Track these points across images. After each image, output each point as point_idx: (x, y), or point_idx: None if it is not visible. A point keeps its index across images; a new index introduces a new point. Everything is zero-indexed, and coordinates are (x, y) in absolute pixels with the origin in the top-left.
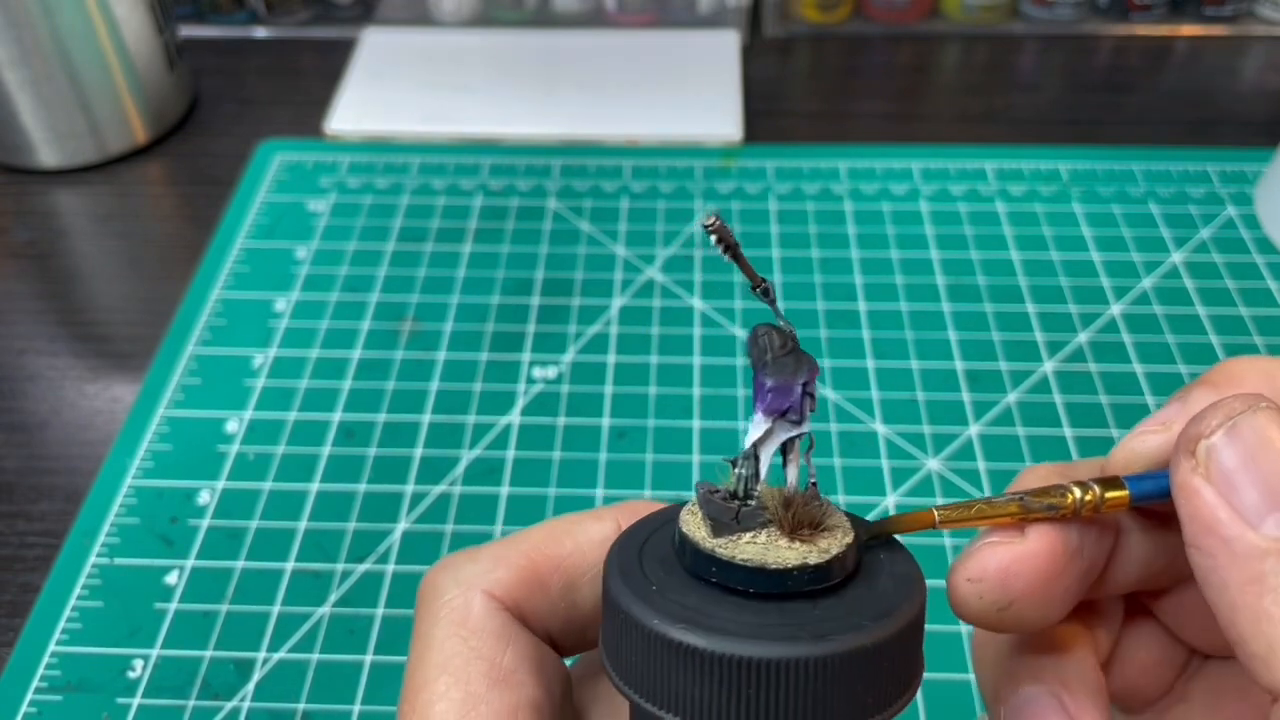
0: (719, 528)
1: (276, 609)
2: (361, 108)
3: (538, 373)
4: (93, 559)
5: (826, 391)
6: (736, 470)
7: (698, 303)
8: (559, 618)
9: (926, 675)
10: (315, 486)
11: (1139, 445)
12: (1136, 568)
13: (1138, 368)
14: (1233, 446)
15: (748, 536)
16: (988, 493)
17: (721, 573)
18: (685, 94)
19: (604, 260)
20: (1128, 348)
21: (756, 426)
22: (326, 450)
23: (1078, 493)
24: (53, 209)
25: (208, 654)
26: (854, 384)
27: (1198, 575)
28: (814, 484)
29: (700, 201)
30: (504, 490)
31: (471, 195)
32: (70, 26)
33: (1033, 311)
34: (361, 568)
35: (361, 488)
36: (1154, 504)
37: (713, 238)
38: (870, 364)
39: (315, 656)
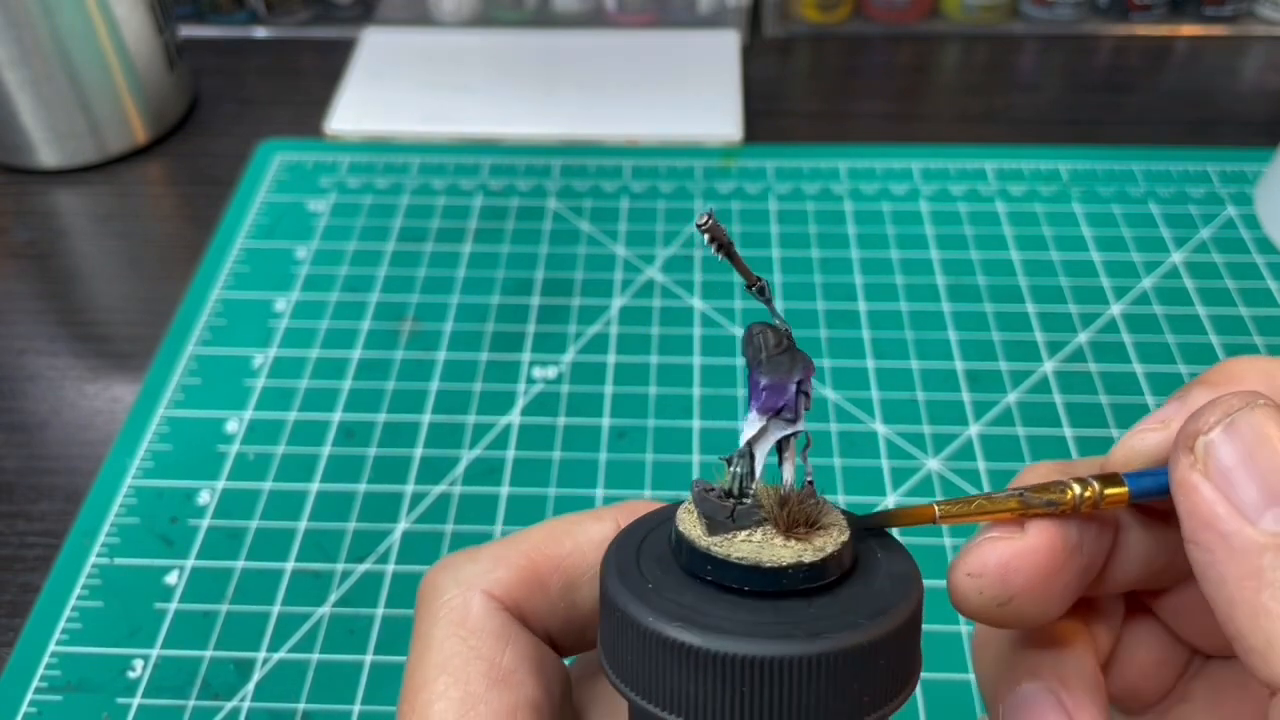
0: (714, 526)
1: (276, 609)
2: (361, 108)
3: (538, 373)
4: (93, 559)
5: (826, 391)
6: (731, 469)
7: (698, 303)
8: (559, 618)
9: (926, 675)
10: (315, 486)
11: (1138, 443)
12: (1136, 565)
13: (1138, 368)
14: (1231, 443)
15: (743, 535)
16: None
17: (717, 571)
18: (685, 94)
19: (604, 260)
20: (1128, 348)
21: (751, 425)
22: (326, 450)
23: (1077, 489)
24: (53, 209)
25: (208, 654)
26: (854, 384)
27: (1196, 571)
28: (810, 482)
29: (700, 201)
30: (504, 490)
31: (471, 195)
32: (70, 26)
33: (1033, 311)
34: (361, 568)
35: (361, 488)
36: (1153, 501)
37: (705, 236)
38: (870, 364)
39: (315, 656)
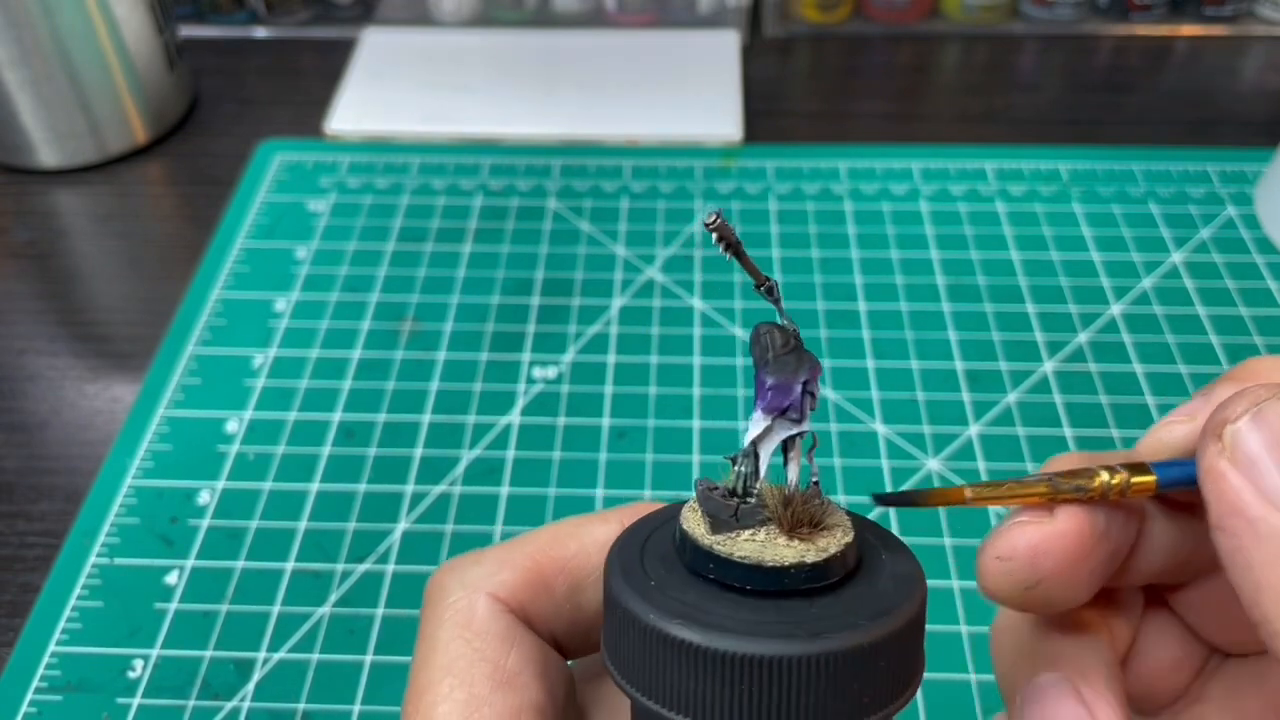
0: (717, 525)
1: (276, 609)
2: (361, 108)
3: (538, 373)
4: (93, 559)
5: (827, 391)
6: (736, 468)
7: (698, 303)
8: (564, 620)
9: (927, 675)
10: (315, 486)
11: (1165, 435)
12: (1160, 556)
13: (1138, 368)
14: (1258, 431)
15: (746, 534)
16: None
17: (719, 569)
18: (685, 94)
19: (604, 260)
20: (1128, 348)
21: (756, 424)
22: (326, 450)
23: (1105, 476)
24: (53, 209)
25: (208, 654)
26: (854, 384)
27: (1223, 557)
28: (816, 483)
29: (700, 201)
30: (504, 490)
31: (471, 195)
32: (70, 26)
33: (1033, 311)
34: (361, 568)
35: (361, 488)
36: (1179, 491)
37: (713, 235)
38: (870, 364)
39: (315, 656)
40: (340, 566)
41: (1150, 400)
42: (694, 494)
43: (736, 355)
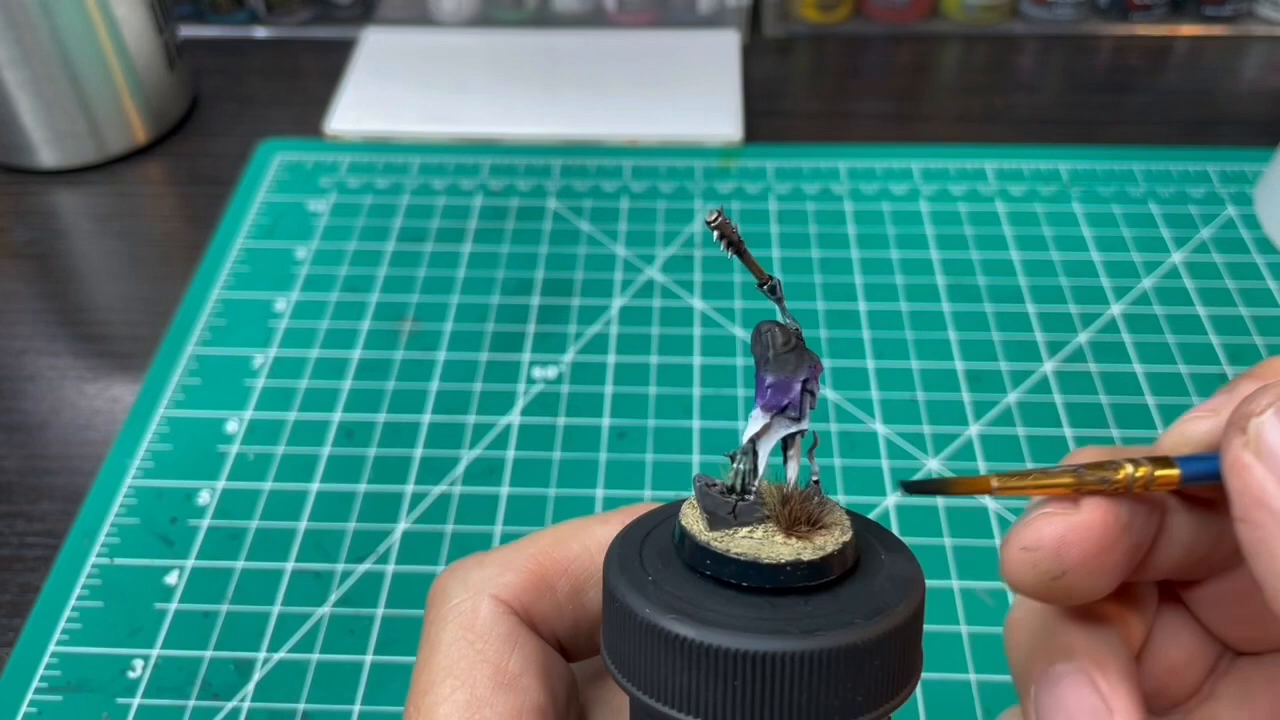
0: (715, 521)
1: (276, 609)
2: (361, 108)
3: (538, 373)
4: (93, 559)
5: (827, 391)
6: (735, 465)
7: (698, 303)
8: (567, 621)
9: (926, 675)
10: (315, 486)
11: (1189, 430)
12: (1179, 551)
13: (1138, 368)
14: None
15: (744, 531)
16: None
17: (715, 565)
18: (685, 94)
19: (604, 260)
20: (1128, 348)
21: (755, 421)
22: (326, 450)
23: (1131, 468)
24: (53, 209)
25: (208, 654)
26: (854, 384)
27: (1245, 550)
28: (816, 482)
29: (700, 201)
30: (504, 490)
31: (471, 195)
32: (70, 26)
33: (1033, 311)
34: (361, 568)
35: (361, 488)
36: (1203, 485)
37: (715, 233)
38: (870, 364)
39: (315, 656)
40: (340, 566)
41: (1150, 400)
42: (694, 491)
43: (737, 355)
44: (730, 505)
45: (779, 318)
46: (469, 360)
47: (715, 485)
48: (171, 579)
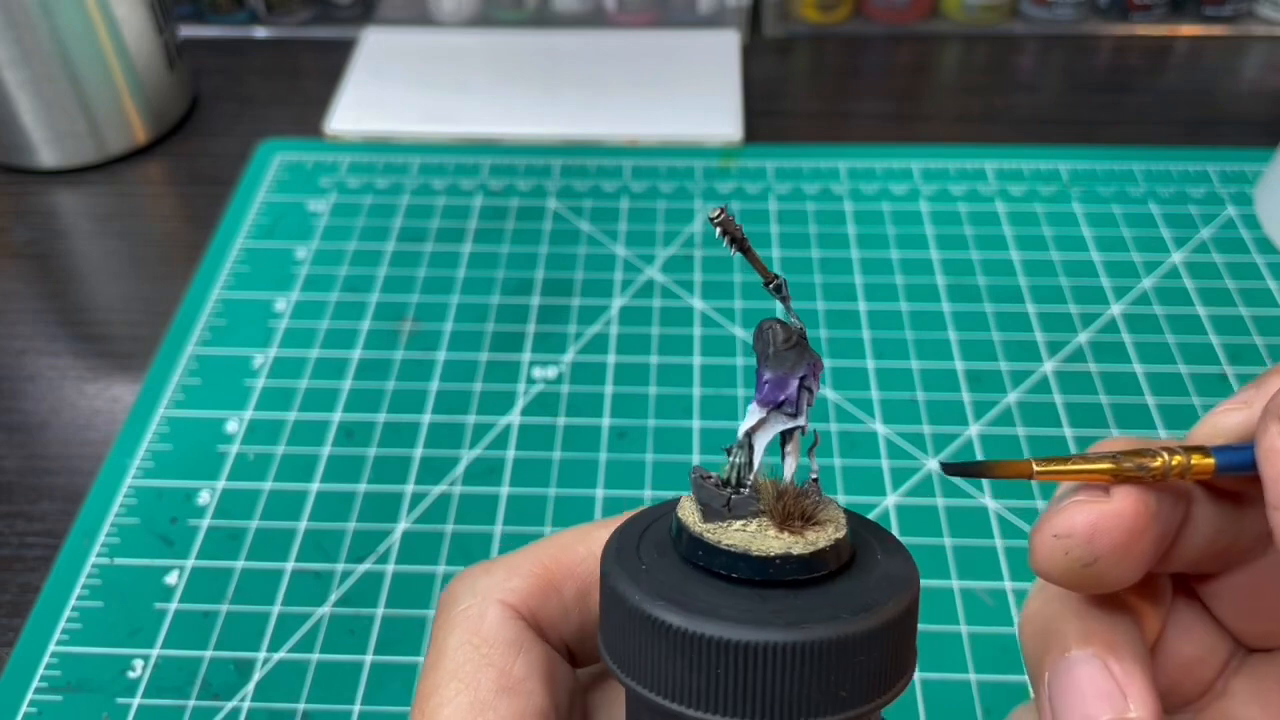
0: (710, 513)
1: (276, 609)
2: (361, 108)
3: (538, 373)
4: (93, 559)
5: (827, 391)
6: (731, 458)
7: (698, 303)
8: (573, 625)
9: (927, 675)
10: (315, 486)
11: (1221, 422)
12: (1201, 542)
13: (1138, 368)
14: None
15: (739, 524)
16: (989, 492)
17: (707, 556)
18: (685, 94)
19: (604, 260)
20: (1128, 348)
21: (751, 415)
22: (326, 450)
23: (1167, 456)
24: (53, 209)
25: (208, 654)
26: (854, 384)
27: (1279, 537)
28: (815, 480)
29: (700, 202)
30: (504, 490)
31: (471, 195)
32: (70, 26)
33: (1033, 311)
34: (361, 568)
35: (361, 488)
36: (1237, 475)
37: (718, 230)
38: (870, 364)
39: (315, 656)
40: (340, 566)
41: (1150, 400)
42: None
43: (737, 355)
44: (725, 498)
45: (784, 316)
46: (469, 360)
47: (711, 478)
48: (171, 579)
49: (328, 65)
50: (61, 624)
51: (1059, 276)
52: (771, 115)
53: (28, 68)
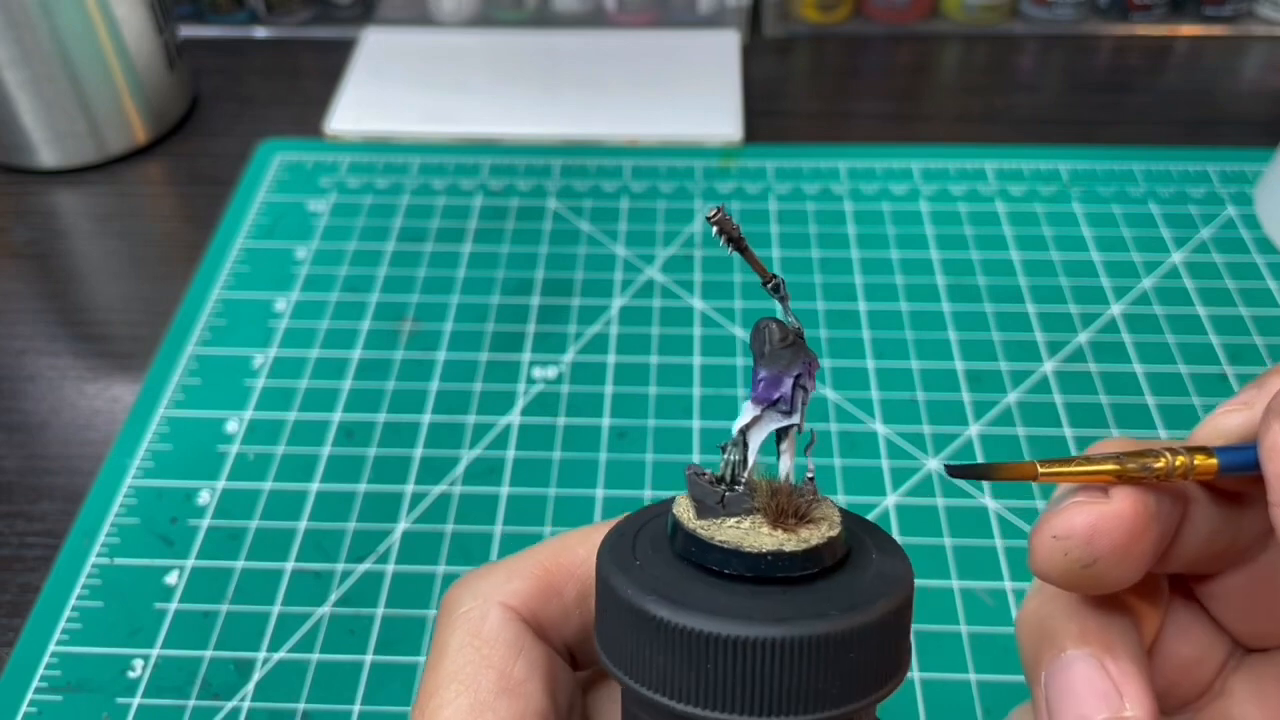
0: (704, 510)
1: (276, 609)
2: (361, 108)
3: (538, 373)
4: (93, 559)
5: (826, 391)
6: (725, 456)
7: (698, 303)
8: (574, 626)
9: (927, 675)
10: (315, 486)
11: (1222, 423)
12: (1200, 542)
13: (1138, 368)
14: None
15: (732, 521)
16: (989, 493)
17: (700, 552)
18: (685, 94)
19: (604, 260)
20: (1128, 348)
21: (746, 413)
22: (326, 450)
23: (1170, 457)
24: (53, 209)
25: (208, 654)
26: (854, 384)
27: None
28: (811, 479)
29: (700, 202)
30: (504, 490)
31: (471, 195)
32: (70, 26)
33: (1033, 311)
34: (361, 568)
35: (361, 488)
36: (1239, 475)
37: (714, 229)
38: (870, 364)
39: (315, 656)
40: (340, 566)
41: (1150, 400)
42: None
43: (737, 355)
44: (719, 495)
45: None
46: (469, 360)
47: (706, 475)
48: (171, 579)
49: (328, 65)
50: (61, 624)
51: (1059, 276)
52: (771, 115)
53: (28, 68)
